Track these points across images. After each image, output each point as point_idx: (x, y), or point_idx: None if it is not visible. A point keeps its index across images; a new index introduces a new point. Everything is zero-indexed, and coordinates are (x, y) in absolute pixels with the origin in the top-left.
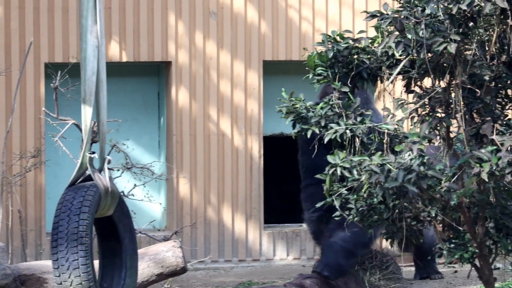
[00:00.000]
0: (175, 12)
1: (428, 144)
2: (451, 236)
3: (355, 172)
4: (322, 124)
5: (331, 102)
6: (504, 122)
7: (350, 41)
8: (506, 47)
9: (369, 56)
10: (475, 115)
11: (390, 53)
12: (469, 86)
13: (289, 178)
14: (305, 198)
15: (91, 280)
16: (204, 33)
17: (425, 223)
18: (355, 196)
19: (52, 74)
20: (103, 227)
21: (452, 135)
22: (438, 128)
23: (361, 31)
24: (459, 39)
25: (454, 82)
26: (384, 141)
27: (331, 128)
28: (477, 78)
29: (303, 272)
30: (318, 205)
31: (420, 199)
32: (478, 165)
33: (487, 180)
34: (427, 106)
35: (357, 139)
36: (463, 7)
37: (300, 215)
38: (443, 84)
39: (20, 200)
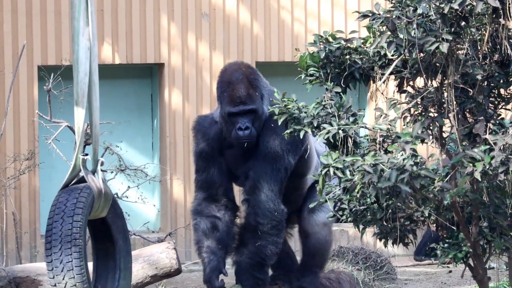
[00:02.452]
0: (168, 14)
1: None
2: (445, 235)
3: (348, 172)
4: (315, 124)
5: (323, 103)
6: (497, 122)
7: (342, 42)
8: (498, 46)
9: (361, 56)
10: (467, 115)
11: (382, 53)
12: (461, 86)
13: None
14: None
15: (85, 281)
16: (196, 34)
17: (419, 223)
18: (348, 196)
19: (45, 77)
20: (96, 229)
21: (445, 135)
22: (431, 127)
23: (353, 31)
24: (451, 38)
25: (446, 81)
26: (377, 141)
27: (324, 128)
28: (470, 77)
29: None
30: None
31: (413, 199)
32: (471, 164)
33: (480, 179)
34: (420, 106)
35: (349, 139)
36: (455, 6)
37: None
38: (435, 83)
39: (14, 202)
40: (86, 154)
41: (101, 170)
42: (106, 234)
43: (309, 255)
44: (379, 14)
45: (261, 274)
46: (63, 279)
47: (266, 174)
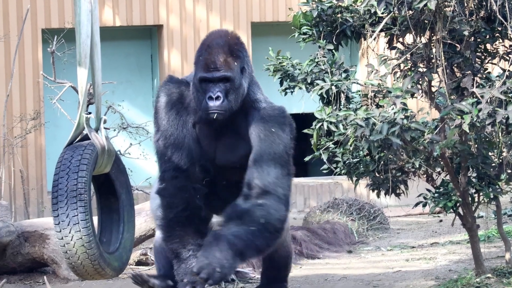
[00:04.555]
0: None
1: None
2: (434, 186)
3: (341, 126)
4: (308, 80)
5: (316, 60)
6: (484, 76)
7: (334, 1)
8: (484, 3)
9: (352, 14)
10: (455, 69)
11: (372, 11)
12: (449, 41)
13: None
14: (169, 194)
15: (90, 234)
16: None
17: (410, 174)
18: (341, 149)
19: (48, 39)
20: (101, 184)
21: (433, 89)
22: (420, 82)
23: None
24: None
25: (434, 37)
26: (369, 96)
27: (317, 84)
28: (457, 33)
29: (293, 224)
30: (306, 158)
31: (404, 151)
32: (459, 117)
33: (468, 131)
34: (409, 61)
35: (342, 95)
36: None
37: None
38: (424, 40)
39: (21, 160)
40: (90, 113)
41: (104, 128)
42: (110, 189)
43: (276, 268)
44: None
45: (230, 259)
46: (69, 232)
47: (278, 179)
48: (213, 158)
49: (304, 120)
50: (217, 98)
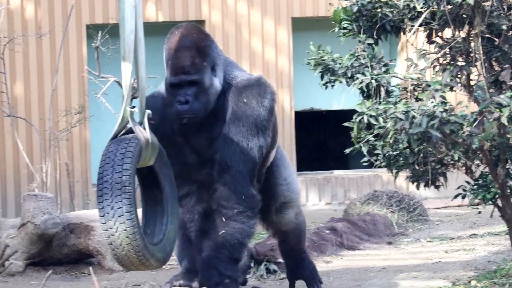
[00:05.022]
0: None
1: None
2: (473, 178)
3: (381, 119)
4: (349, 75)
5: (356, 54)
6: None
7: None
8: None
9: (391, 9)
10: (494, 63)
11: (411, 6)
12: (487, 36)
13: (320, 129)
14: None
15: (135, 226)
16: None
17: (449, 166)
18: (381, 142)
19: (93, 35)
20: (145, 176)
21: (472, 83)
22: (459, 76)
23: None
24: None
25: (473, 32)
26: (408, 89)
27: (357, 78)
28: (495, 27)
29: (334, 216)
30: (347, 150)
31: (444, 143)
32: (498, 110)
33: (506, 124)
34: (448, 55)
35: (382, 88)
36: None
37: (329, 161)
38: (462, 34)
39: (66, 154)
40: (134, 107)
41: (148, 121)
42: (153, 182)
43: (293, 244)
44: None
45: (228, 270)
46: (114, 224)
47: (234, 153)
48: (203, 152)
49: (345, 114)
50: (186, 102)
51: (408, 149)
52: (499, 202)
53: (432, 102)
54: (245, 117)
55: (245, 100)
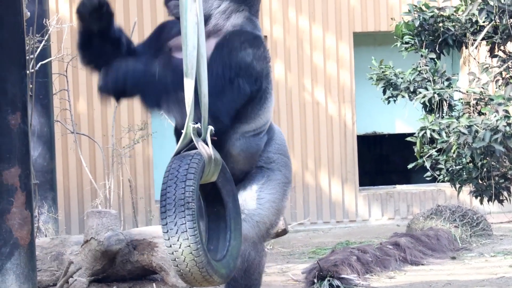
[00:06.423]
0: None
1: None
2: None
3: (444, 134)
4: (411, 89)
5: (419, 68)
6: None
7: (435, 10)
8: None
9: (453, 23)
10: None
11: (473, 20)
12: None
13: (382, 143)
14: None
15: (198, 242)
16: (296, 8)
17: None
18: (444, 157)
19: None
20: (208, 192)
21: None
22: None
23: (445, 0)
24: None
25: None
26: (471, 103)
27: (420, 93)
28: None
29: (397, 231)
30: (410, 165)
31: (507, 157)
32: None
33: None
34: (511, 69)
35: (444, 103)
36: None
37: (392, 176)
38: None
39: (129, 170)
40: (196, 123)
41: (211, 138)
42: (216, 198)
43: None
44: None
45: None
46: (177, 240)
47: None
48: None
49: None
50: None
51: (471, 164)
52: None
53: (495, 116)
54: (223, 59)
55: (224, 44)
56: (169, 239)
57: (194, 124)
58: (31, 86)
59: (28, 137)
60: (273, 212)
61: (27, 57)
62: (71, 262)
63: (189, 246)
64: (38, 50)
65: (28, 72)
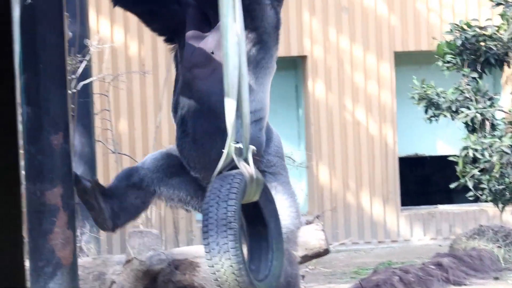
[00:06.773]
0: (309, 9)
1: None
2: None
3: (486, 153)
4: (453, 109)
5: (461, 88)
6: None
7: (477, 29)
8: None
9: (495, 42)
10: None
11: None
12: None
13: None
14: None
15: (240, 262)
16: (336, 28)
17: None
18: (487, 176)
19: None
20: (249, 212)
21: None
22: None
23: (487, 19)
24: None
25: None
26: None
27: (462, 112)
28: None
29: (440, 251)
30: (452, 185)
31: None
32: None
33: None
34: None
35: (487, 122)
36: None
37: (434, 196)
38: None
39: None
40: (238, 142)
41: (252, 157)
42: (258, 218)
43: None
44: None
45: None
46: (220, 260)
47: None
48: None
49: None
50: None
51: None
52: None
53: None
54: None
55: None
56: (211, 259)
57: (235, 144)
58: (73, 106)
59: (70, 157)
60: (295, 216)
61: (69, 77)
62: (113, 282)
63: (231, 266)
64: (80, 70)
65: (70, 92)
